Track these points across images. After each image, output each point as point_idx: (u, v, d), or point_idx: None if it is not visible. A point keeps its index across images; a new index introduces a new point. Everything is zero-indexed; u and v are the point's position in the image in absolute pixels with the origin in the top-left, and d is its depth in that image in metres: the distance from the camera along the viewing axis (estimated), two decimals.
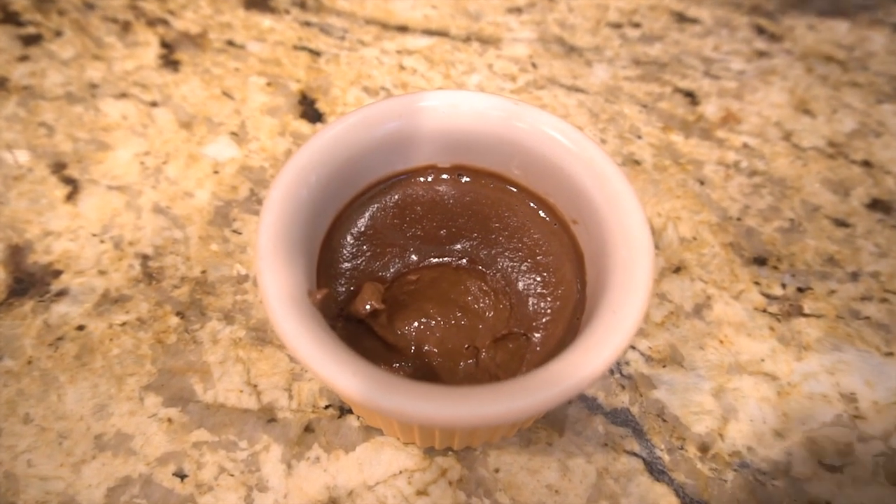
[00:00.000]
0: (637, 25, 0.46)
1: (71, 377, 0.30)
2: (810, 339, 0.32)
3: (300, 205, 0.25)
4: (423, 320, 0.28)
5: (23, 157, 0.36)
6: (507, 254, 0.29)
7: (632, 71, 0.43)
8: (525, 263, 0.29)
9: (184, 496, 0.27)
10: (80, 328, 0.31)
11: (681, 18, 0.47)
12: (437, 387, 0.21)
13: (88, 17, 0.44)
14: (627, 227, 0.25)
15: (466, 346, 0.28)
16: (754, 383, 0.31)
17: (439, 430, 0.25)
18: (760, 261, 0.35)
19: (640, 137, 0.40)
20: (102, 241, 0.34)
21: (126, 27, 0.44)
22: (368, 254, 0.29)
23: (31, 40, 0.42)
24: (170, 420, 0.29)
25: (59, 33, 0.43)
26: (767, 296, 0.34)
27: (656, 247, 0.35)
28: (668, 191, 0.37)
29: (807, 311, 0.33)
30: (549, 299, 0.28)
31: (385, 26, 0.45)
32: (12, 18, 0.43)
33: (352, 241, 0.28)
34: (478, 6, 0.47)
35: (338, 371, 0.21)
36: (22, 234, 0.34)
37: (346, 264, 0.28)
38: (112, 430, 0.28)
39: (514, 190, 0.30)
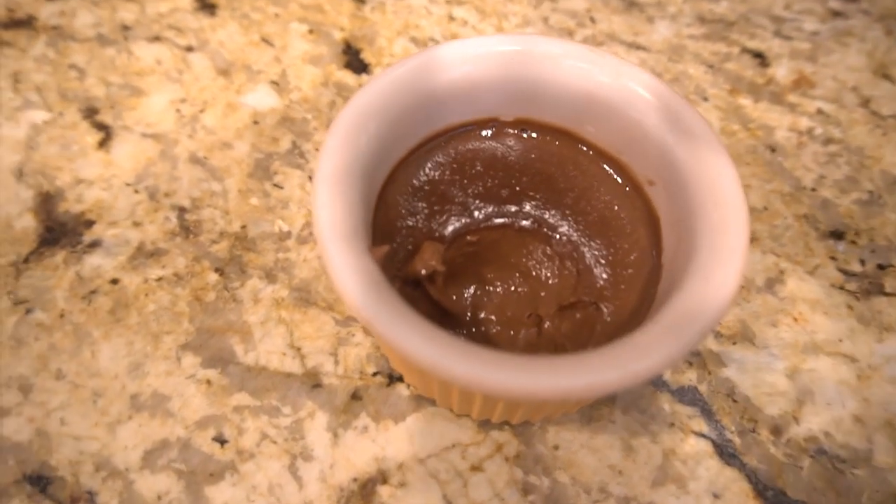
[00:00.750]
0: None
1: (105, 333, 0.28)
2: (892, 319, 0.30)
3: (359, 152, 0.23)
4: (481, 285, 0.26)
5: (41, 115, 0.34)
6: (574, 216, 0.27)
7: (696, 29, 0.40)
8: (594, 227, 0.27)
9: (224, 462, 0.25)
10: (114, 282, 0.29)
11: None
12: (515, 355, 0.19)
13: None
14: (719, 187, 0.22)
15: (528, 314, 0.26)
16: (832, 365, 0.29)
17: (507, 402, 0.23)
18: (837, 234, 0.32)
19: (706, 100, 0.37)
20: (137, 191, 0.32)
21: None
22: (426, 211, 0.26)
23: None
24: (209, 382, 0.27)
25: None
26: (845, 272, 0.31)
27: None
28: (736, 157, 0.35)
29: (888, 289, 0.31)
30: (620, 266, 0.26)
31: None
32: None
33: (408, 198, 0.26)
34: None
35: (408, 335, 0.19)
36: (52, 182, 0.32)
37: (402, 221, 0.26)
38: (148, 391, 0.27)
39: (583, 148, 0.27)
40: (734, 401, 0.28)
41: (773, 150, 0.35)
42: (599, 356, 0.19)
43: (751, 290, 0.31)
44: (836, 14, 0.42)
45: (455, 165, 0.27)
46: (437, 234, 0.26)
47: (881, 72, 0.39)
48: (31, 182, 0.32)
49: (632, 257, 0.26)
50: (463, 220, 0.27)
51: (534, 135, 0.27)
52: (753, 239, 0.32)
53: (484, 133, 0.28)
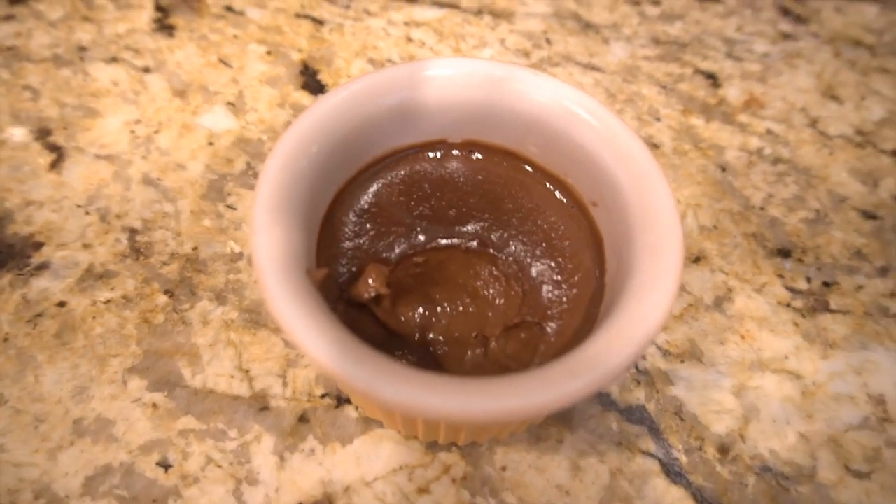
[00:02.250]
0: (657, 3, 0.44)
1: (49, 357, 0.28)
2: (836, 336, 0.31)
3: (300, 176, 0.23)
4: (429, 306, 0.26)
5: (18, 133, 0.34)
6: (520, 237, 0.27)
7: (651, 50, 0.41)
8: (539, 248, 0.27)
9: (167, 488, 0.25)
10: (61, 304, 0.29)
11: None
12: (447, 377, 0.19)
13: None
14: (654, 211, 0.23)
15: (475, 334, 0.26)
16: (777, 382, 0.29)
17: (446, 424, 0.23)
18: (784, 253, 0.33)
19: (658, 120, 0.38)
20: (88, 213, 0.32)
21: None
22: (372, 233, 0.27)
23: None
24: (154, 405, 0.27)
25: None
26: (791, 290, 0.32)
27: None
28: (687, 176, 0.36)
29: (833, 306, 0.31)
30: (564, 286, 0.26)
31: None
32: None
33: (354, 219, 0.26)
34: None
35: (339, 359, 0.19)
36: (2, 203, 0.32)
37: (348, 243, 0.26)
38: (92, 415, 0.26)
39: (530, 169, 0.28)
40: (682, 419, 0.28)
41: (723, 169, 0.36)
42: (532, 378, 0.19)
43: (699, 308, 0.31)
44: (787, 36, 0.43)
45: (402, 187, 0.27)
46: (383, 256, 0.27)
47: (829, 93, 0.40)
48: None
49: (576, 277, 0.26)
50: (410, 241, 0.27)
51: (480, 156, 0.28)
52: (703, 257, 0.33)
53: (432, 155, 0.28)
